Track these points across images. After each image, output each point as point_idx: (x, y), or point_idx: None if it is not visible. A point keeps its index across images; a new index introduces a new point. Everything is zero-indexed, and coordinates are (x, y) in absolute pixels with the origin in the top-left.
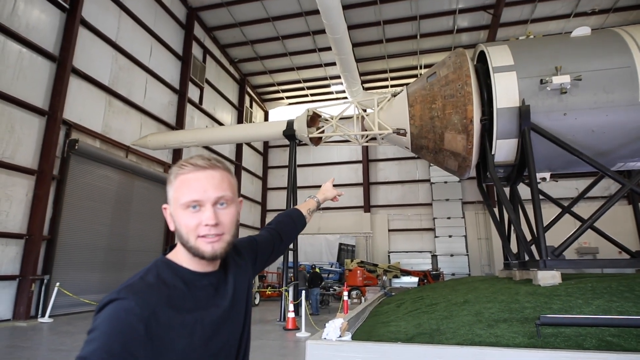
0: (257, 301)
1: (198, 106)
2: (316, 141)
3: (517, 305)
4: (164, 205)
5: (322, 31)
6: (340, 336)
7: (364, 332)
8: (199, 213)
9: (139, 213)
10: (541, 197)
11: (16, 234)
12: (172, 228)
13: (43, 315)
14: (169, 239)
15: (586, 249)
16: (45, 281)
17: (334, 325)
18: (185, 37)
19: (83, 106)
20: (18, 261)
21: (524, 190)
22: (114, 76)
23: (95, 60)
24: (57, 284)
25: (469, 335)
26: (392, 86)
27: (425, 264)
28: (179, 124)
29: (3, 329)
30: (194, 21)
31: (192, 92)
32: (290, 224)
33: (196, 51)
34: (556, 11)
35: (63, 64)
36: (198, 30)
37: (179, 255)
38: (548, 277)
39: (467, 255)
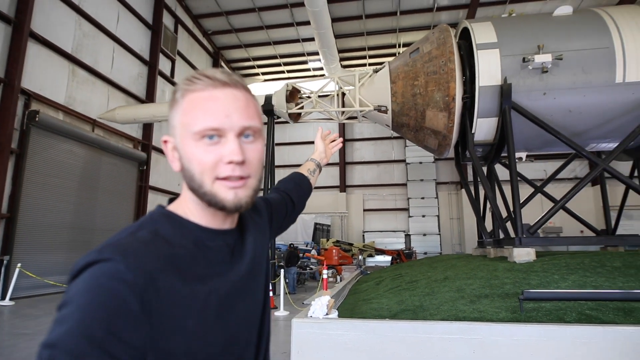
0: None
1: (169, 79)
2: (295, 117)
3: (497, 282)
4: (164, 138)
5: (301, 4)
6: (327, 314)
7: (346, 309)
8: (217, 146)
9: (107, 190)
10: None
11: None
12: (176, 168)
13: (3, 298)
14: (139, 217)
15: (551, 228)
16: (4, 262)
17: (321, 303)
18: (155, 4)
19: (44, 75)
20: None
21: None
22: (77, 43)
23: (56, 25)
24: (19, 264)
25: (452, 311)
26: (370, 64)
27: (398, 243)
28: (149, 98)
29: None
30: None
31: (163, 64)
32: (297, 187)
33: (167, 20)
34: None
35: (19, 27)
36: None
37: (185, 206)
38: (523, 254)
39: (439, 234)
